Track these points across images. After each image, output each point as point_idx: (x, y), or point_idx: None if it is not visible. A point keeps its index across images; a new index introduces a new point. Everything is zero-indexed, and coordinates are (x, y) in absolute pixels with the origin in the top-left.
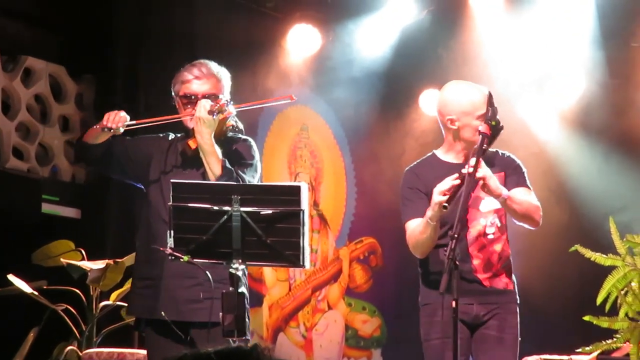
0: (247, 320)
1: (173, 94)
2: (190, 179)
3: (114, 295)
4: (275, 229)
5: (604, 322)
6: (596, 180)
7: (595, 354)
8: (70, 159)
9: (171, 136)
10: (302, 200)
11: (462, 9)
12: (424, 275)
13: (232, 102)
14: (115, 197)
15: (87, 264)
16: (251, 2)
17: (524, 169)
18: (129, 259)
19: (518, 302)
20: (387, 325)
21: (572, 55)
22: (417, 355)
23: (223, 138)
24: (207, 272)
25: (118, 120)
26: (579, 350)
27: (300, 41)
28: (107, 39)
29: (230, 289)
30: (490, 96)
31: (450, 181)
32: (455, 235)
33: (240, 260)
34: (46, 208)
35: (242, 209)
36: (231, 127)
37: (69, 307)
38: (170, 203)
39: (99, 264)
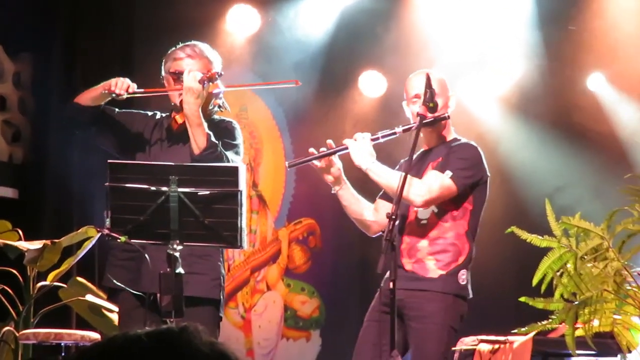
0: (220, 299)
1: (163, 71)
2: (176, 155)
3: (51, 276)
4: (213, 209)
5: (539, 304)
6: (534, 162)
7: (531, 335)
8: (8, 138)
9: (158, 115)
10: (239, 181)
11: None
12: None
13: (222, 74)
14: (53, 177)
15: (24, 244)
16: None
17: (465, 156)
18: (66, 240)
19: (454, 293)
20: (326, 306)
21: (511, 38)
22: (356, 336)
23: (209, 119)
24: (146, 254)
25: (127, 87)
26: (515, 331)
27: (240, 21)
28: (45, 17)
29: (168, 269)
30: (428, 78)
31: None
32: (393, 217)
33: (177, 241)
34: None
35: (180, 189)
36: (217, 107)
37: (5, 287)
38: (107, 183)
39: (36, 245)
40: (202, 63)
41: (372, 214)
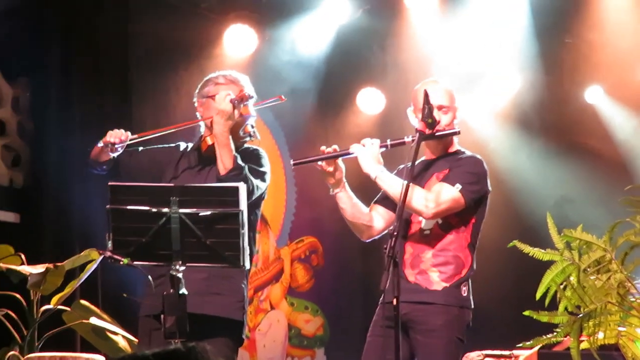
0: (243, 320)
1: (199, 95)
2: (203, 178)
3: (54, 300)
4: (215, 229)
5: (543, 317)
6: (535, 176)
7: (536, 348)
8: (8, 163)
9: (183, 145)
10: (240, 201)
11: (397, 8)
12: None
13: (253, 96)
14: (54, 201)
15: (26, 269)
16: (185, 3)
17: (473, 171)
18: (69, 263)
19: (459, 305)
20: (330, 324)
21: (507, 52)
22: (361, 353)
23: (238, 145)
24: (149, 276)
25: (119, 135)
26: (520, 345)
27: (237, 42)
28: (41, 41)
29: (171, 290)
30: (426, 94)
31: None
32: (395, 233)
33: (180, 262)
34: None
35: (181, 210)
36: (249, 137)
37: (9, 312)
38: (108, 206)
39: (39, 268)
40: (238, 89)
41: (368, 219)
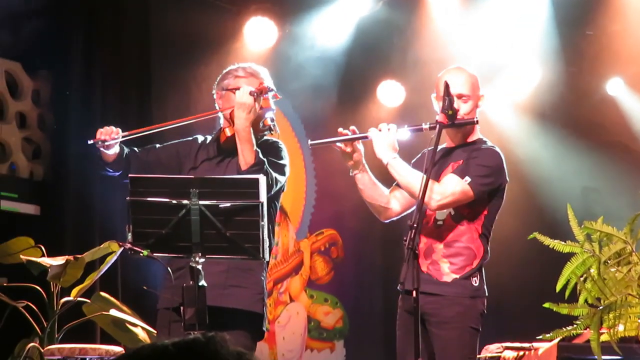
0: (264, 313)
1: (219, 88)
2: (223, 169)
3: (74, 291)
4: (235, 221)
5: (563, 309)
6: (556, 168)
7: (556, 340)
8: (28, 155)
9: (201, 138)
10: (260, 192)
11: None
12: None
13: (273, 89)
14: (74, 193)
15: (47, 261)
16: None
17: (487, 164)
18: (89, 255)
19: (470, 295)
20: (349, 317)
21: (528, 44)
22: (380, 346)
23: (257, 138)
24: (169, 268)
25: (110, 132)
26: (540, 337)
27: (257, 34)
28: (63, 35)
29: (191, 282)
30: (446, 85)
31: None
32: (415, 225)
33: (200, 254)
34: (5, 205)
35: (201, 202)
36: (268, 130)
37: (29, 303)
38: (128, 198)
39: (59, 260)
40: (258, 82)
41: (386, 201)
